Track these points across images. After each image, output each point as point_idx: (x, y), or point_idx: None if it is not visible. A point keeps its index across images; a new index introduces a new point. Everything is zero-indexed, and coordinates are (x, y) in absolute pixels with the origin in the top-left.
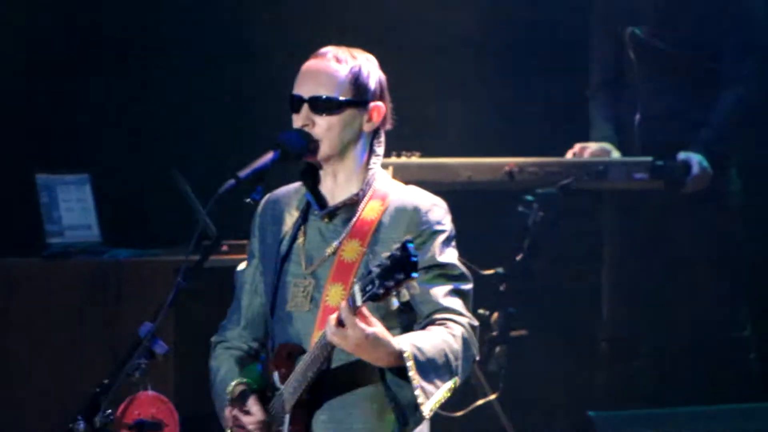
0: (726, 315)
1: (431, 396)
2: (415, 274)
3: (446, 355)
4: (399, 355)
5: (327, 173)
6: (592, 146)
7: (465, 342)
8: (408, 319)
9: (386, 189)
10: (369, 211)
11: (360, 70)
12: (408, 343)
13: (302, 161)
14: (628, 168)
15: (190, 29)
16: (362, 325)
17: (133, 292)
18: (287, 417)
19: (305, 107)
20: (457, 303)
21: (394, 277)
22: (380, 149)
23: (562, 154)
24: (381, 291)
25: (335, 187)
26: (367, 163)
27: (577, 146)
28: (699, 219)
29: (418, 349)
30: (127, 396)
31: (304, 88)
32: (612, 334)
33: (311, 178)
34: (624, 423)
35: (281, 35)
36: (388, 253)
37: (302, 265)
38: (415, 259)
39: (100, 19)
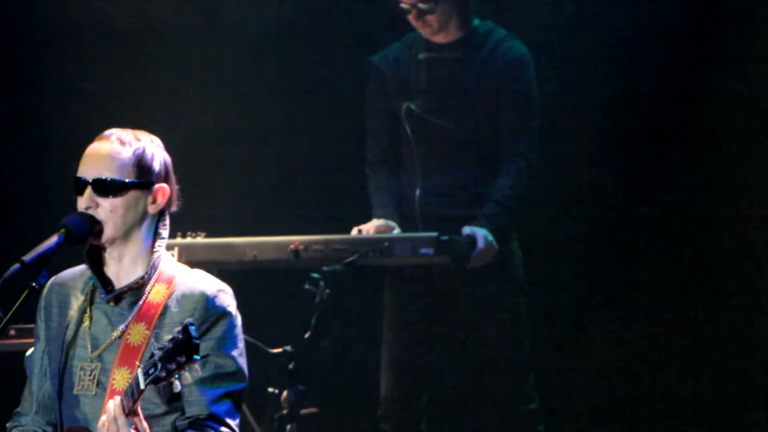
0: (513, 388)
1: None
2: (197, 357)
3: None
4: None
5: (112, 256)
6: (376, 224)
7: None
8: (177, 421)
9: (172, 272)
10: (155, 294)
11: (144, 151)
12: None
13: (87, 244)
14: (414, 243)
15: None
16: (133, 430)
17: None
18: None
19: (89, 189)
20: (224, 408)
21: (176, 360)
22: (165, 231)
23: (347, 231)
24: (163, 374)
25: (120, 270)
26: (153, 245)
27: (363, 226)
28: (484, 292)
29: None
30: None
31: (87, 171)
32: (388, 411)
33: (96, 260)
34: None
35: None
36: (170, 336)
37: (88, 349)
38: (197, 341)
39: None
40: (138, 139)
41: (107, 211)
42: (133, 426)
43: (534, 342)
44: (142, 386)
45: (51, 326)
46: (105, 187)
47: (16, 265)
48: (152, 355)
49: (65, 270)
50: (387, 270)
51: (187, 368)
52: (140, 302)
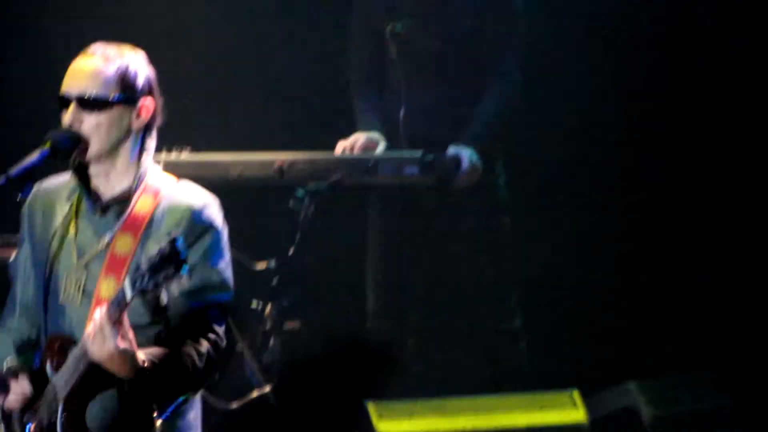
0: (495, 306)
1: (164, 407)
2: (184, 270)
3: (186, 371)
4: (141, 370)
5: (98, 169)
6: (361, 137)
7: (209, 361)
8: (161, 332)
9: (158, 184)
10: (141, 205)
11: (128, 67)
12: (149, 360)
13: (73, 158)
14: (399, 163)
15: None
16: (119, 339)
17: None
18: (60, 406)
19: (73, 105)
20: (211, 317)
21: (163, 272)
22: (152, 144)
23: (333, 146)
24: (150, 286)
25: (107, 183)
26: (139, 159)
27: (348, 141)
28: (468, 212)
29: (156, 364)
30: None
31: (71, 87)
32: (376, 325)
33: (83, 171)
34: (400, 412)
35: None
36: (157, 249)
37: (74, 257)
38: (183, 255)
39: None
40: (122, 54)
41: (92, 127)
42: (119, 335)
43: (518, 261)
44: (128, 298)
45: (35, 232)
46: (89, 104)
47: (1, 179)
48: (139, 267)
49: (49, 177)
50: (371, 189)
51: (173, 281)
52: (126, 213)
